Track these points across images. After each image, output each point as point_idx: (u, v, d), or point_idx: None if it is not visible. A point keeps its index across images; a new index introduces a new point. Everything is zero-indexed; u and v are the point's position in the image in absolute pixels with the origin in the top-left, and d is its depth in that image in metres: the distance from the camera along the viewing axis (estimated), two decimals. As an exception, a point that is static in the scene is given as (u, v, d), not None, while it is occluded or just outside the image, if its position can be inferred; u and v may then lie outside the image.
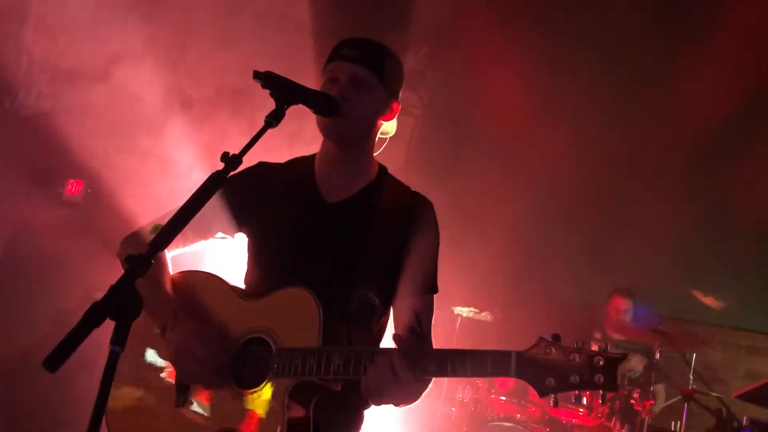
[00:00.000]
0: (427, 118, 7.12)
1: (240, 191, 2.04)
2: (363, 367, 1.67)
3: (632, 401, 4.69)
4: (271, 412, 1.73)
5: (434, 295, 2.04)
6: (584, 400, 1.36)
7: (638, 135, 5.78)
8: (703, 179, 5.73)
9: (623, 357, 1.54)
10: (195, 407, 1.87)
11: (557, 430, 4.94)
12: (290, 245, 2.00)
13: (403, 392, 1.67)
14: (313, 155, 2.15)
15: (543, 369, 1.54)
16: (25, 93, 7.67)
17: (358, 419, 2.00)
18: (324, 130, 2.02)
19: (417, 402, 1.84)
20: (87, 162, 7.26)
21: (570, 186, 5.85)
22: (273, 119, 1.77)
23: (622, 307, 5.44)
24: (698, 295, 5.77)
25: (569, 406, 4.79)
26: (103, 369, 1.43)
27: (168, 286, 1.99)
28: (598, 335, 5.45)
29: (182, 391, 1.89)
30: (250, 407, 1.78)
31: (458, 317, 5.40)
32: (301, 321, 1.78)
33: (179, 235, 1.97)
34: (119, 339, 1.44)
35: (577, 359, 1.53)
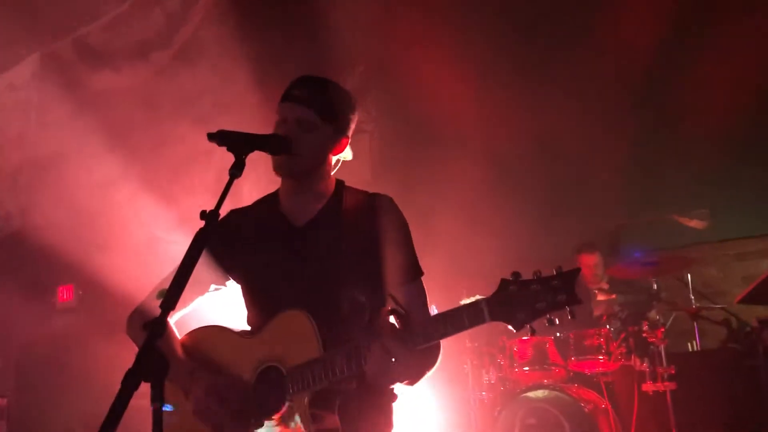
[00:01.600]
0: (381, 130, 7.32)
1: (219, 242, 2.20)
2: (363, 358, 1.83)
3: (644, 334, 4.86)
4: (298, 428, 1.88)
5: (422, 279, 2.20)
6: (556, 321, 1.51)
7: (579, 72, 5.95)
8: (654, 100, 5.92)
9: (577, 270, 1.71)
10: None
11: (585, 383, 5.10)
12: (273, 276, 2.17)
13: (403, 368, 1.81)
14: (276, 191, 2.34)
15: (511, 306, 1.71)
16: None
17: (387, 413, 2.14)
18: (278, 168, 2.20)
19: (429, 373, 2.00)
20: (70, 266, 7.36)
21: (526, 151, 6.04)
22: (236, 170, 1.96)
23: (592, 262, 5.63)
24: (682, 220, 5.96)
25: (588, 356, 4.98)
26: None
27: (179, 350, 2.15)
28: (605, 285, 5.61)
29: None
30: (280, 430, 1.92)
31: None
32: (299, 338, 1.94)
33: (196, 295, 2.22)
34: (158, 397, 1.60)
35: (538, 287, 1.71)
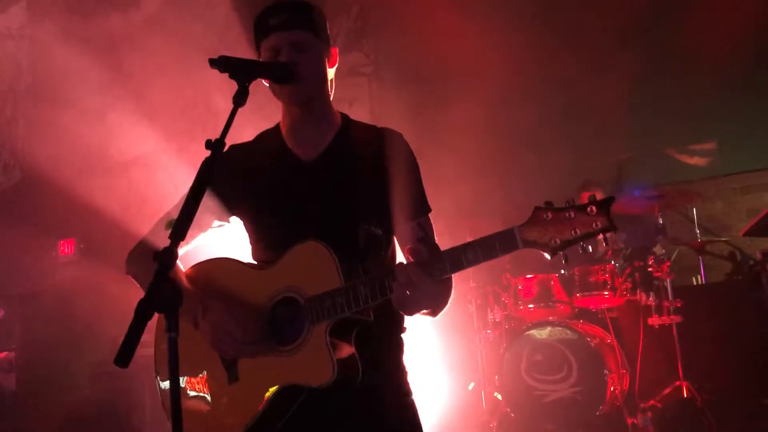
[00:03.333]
0: (379, 73, 7.20)
1: (221, 178, 2.10)
2: (388, 287, 1.82)
3: (650, 269, 4.87)
4: (319, 356, 1.86)
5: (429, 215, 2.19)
6: (590, 249, 1.50)
7: (581, 4, 5.82)
8: (659, 31, 5.81)
9: (612, 198, 1.69)
10: (246, 378, 1.99)
11: (590, 319, 5.14)
12: (285, 211, 2.13)
13: (428, 297, 1.81)
14: (277, 125, 2.28)
15: (545, 233, 1.71)
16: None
17: (398, 343, 2.17)
18: (287, 97, 2.14)
19: (447, 306, 1.97)
20: (71, 219, 7.34)
21: (527, 89, 5.95)
22: (240, 98, 1.91)
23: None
24: (682, 158, 5.92)
25: (593, 292, 4.99)
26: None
27: (186, 281, 2.12)
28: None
29: (231, 369, 2.01)
30: (298, 360, 1.90)
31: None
32: (318, 269, 1.91)
33: (199, 231, 2.20)
34: (173, 326, 1.58)
35: (573, 214, 1.69)
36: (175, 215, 1.72)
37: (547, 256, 1.72)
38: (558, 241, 1.69)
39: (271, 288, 2.00)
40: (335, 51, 2.23)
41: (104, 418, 5.60)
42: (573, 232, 1.69)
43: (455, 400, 5.37)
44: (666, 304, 4.81)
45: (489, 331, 5.42)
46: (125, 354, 1.49)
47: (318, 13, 2.17)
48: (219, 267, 2.15)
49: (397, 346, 2.16)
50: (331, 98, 2.25)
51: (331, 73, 2.22)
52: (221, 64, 1.89)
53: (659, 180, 5.50)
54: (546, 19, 5.98)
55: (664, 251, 4.85)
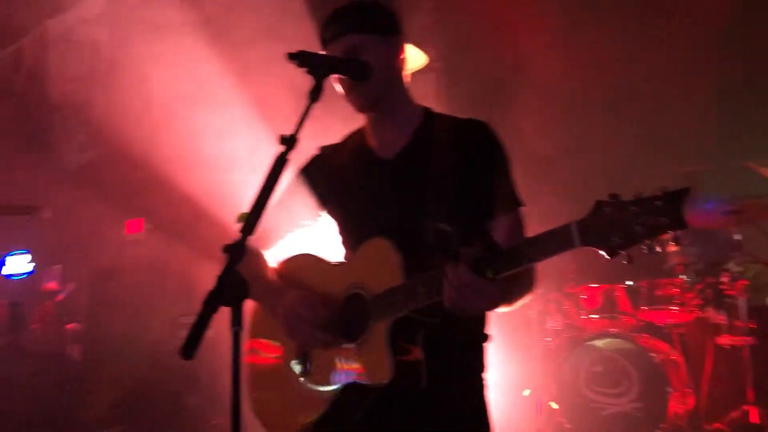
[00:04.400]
0: (449, 69, 7.12)
1: (311, 178, 2.22)
2: (441, 286, 1.73)
3: (722, 286, 4.67)
4: (377, 355, 1.84)
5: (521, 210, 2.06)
6: (657, 249, 1.33)
7: (662, 12, 5.61)
8: (739, 43, 5.55)
9: (686, 190, 1.44)
10: (316, 371, 2.01)
11: (655, 334, 4.96)
12: (363, 210, 2.13)
13: (481, 298, 1.68)
14: (363, 126, 2.27)
15: (605, 229, 1.50)
16: (68, 149, 8.03)
17: (477, 352, 2.08)
18: (356, 102, 2.11)
19: (521, 301, 1.94)
20: (141, 199, 7.54)
21: (601, 96, 5.77)
22: (315, 94, 1.89)
23: None
24: (755, 167, 5.65)
25: (660, 306, 4.82)
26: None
27: (270, 276, 2.18)
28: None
29: (303, 362, 2.04)
30: (360, 357, 1.90)
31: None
32: (382, 266, 1.90)
33: (272, 234, 2.23)
34: (237, 320, 1.58)
35: (637, 208, 1.47)
36: (266, 217, 1.79)
37: (606, 255, 1.52)
38: (618, 239, 1.48)
39: (342, 284, 2.01)
40: (401, 40, 2.14)
41: (162, 395, 5.75)
42: (636, 228, 1.46)
43: (508, 405, 5.28)
44: (738, 324, 4.60)
45: (549, 339, 5.30)
46: (191, 346, 1.50)
47: (375, 8, 2.11)
48: (299, 262, 2.20)
49: (473, 353, 2.07)
50: (407, 87, 2.19)
51: (409, 62, 2.16)
52: (300, 58, 1.89)
53: (737, 193, 5.25)
54: (622, 22, 5.79)
55: (739, 268, 4.63)
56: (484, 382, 2.08)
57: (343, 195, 2.17)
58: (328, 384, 1.96)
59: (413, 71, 2.24)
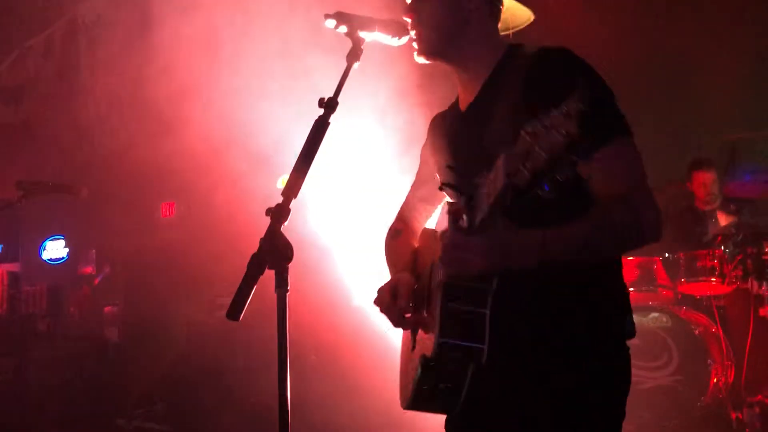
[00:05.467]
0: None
1: (429, 146, 2.16)
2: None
3: (765, 257, 4.57)
4: (434, 324, 1.71)
5: (624, 142, 1.67)
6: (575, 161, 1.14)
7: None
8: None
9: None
10: (419, 344, 1.93)
11: (695, 306, 4.88)
12: (443, 168, 1.98)
13: (469, 255, 1.55)
14: None
15: (524, 156, 1.30)
16: (100, 132, 8.12)
17: (587, 315, 1.73)
18: (416, 55, 1.99)
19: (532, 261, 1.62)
20: (173, 183, 7.60)
21: (639, 61, 5.64)
22: (353, 56, 1.87)
23: (708, 180, 5.22)
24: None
25: (699, 278, 4.74)
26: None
27: (402, 255, 2.11)
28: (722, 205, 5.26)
29: (414, 336, 1.98)
30: (428, 326, 1.82)
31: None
32: (434, 239, 1.87)
33: (427, 205, 2.20)
34: (281, 282, 1.57)
35: (556, 117, 1.26)
36: (411, 194, 1.86)
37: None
38: (527, 170, 1.28)
39: (432, 253, 1.91)
40: None
41: (200, 374, 5.82)
42: (536, 149, 1.26)
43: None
44: (781, 294, 4.51)
45: (584, 312, 5.24)
46: (238, 307, 1.50)
47: None
48: (422, 237, 2.16)
49: (582, 321, 1.71)
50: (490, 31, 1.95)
51: (508, 18, 1.99)
52: (336, 18, 1.85)
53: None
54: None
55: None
56: (605, 363, 1.72)
57: (438, 158, 2.07)
58: (418, 356, 1.82)
59: (518, 28, 2.06)
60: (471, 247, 1.54)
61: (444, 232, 1.61)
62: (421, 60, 1.98)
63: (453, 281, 1.64)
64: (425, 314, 1.84)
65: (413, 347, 1.92)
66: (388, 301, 1.91)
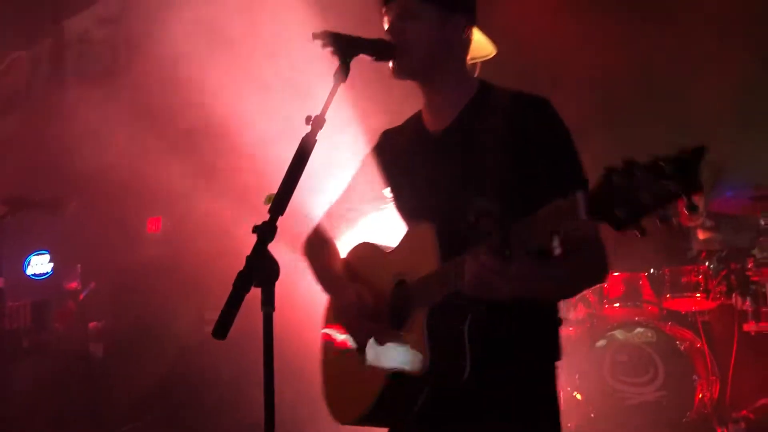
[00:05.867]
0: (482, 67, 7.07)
1: (375, 162, 2.18)
2: (463, 272, 1.65)
3: (748, 273, 4.61)
4: (417, 343, 1.80)
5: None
6: (673, 220, 1.18)
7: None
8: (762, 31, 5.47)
9: (699, 149, 1.26)
10: (373, 359, 1.97)
11: (680, 322, 4.92)
12: (412, 190, 2.07)
13: (502, 281, 1.57)
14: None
15: (611, 200, 1.30)
16: (88, 147, 8.08)
17: (545, 338, 1.92)
18: (393, 74, 2.05)
19: (576, 291, 1.89)
20: (159, 197, 7.58)
21: (626, 79, 5.71)
22: (341, 75, 1.88)
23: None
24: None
25: (684, 294, 4.77)
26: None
27: (334, 264, 2.18)
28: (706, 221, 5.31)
29: (361, 351, 2.01)
30: (405, 344, 1.86)
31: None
32: (422, 251, 1.86)
33: (343, 220, 2.24)
34: (268, 300, 1.58)
35: (643, 174, 1.27)
36: (337, 206, 1.91)
37: (613, 228, 1.33)
38: (624, 212, 1.28)
39: (391, 271, 1.98)
40: (460, 19, 2.00)
41: (185, 391, 5.78)
42: (644, 197, 1.26)
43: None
44: (764, 310, 4.55)
45: (571, 328, 5.26)
46: (223, 326, 1.50)
47: None
48: (360, 251, 2.19)
49: (541, 343, 1.91)
50: (467, 65, 2.06)
51: (475, 48, 2.05)
52: (323, 38, 1.87)
53: (762, 179, 5.18)
54: (650, 11, 5.72)
55: (765, 254, 4.57)
56: (551, 373, 1.92)
57: (397, 175, 2.12)
58: (377, 376, 1.91)
59: (479, 60, 2.10)
60: (505, 273, 1.56)
61: (476, 253, 1.59)
62: (400, 77, 2.04)
63: (443, 300, 1.73)
64: (397, 330, 1.89)
65: (363, 360, 1.97)
66: (356, 319, 1.94)
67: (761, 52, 5.44)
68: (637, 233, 1.31)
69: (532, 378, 1.88)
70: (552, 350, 1.94)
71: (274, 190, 1.72)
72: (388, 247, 2.11)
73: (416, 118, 2.17)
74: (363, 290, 1.97)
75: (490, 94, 2.00)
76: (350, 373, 2.04)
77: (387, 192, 2.19)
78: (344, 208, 2.25)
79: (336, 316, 2.09)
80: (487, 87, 2.04)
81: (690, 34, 5.49)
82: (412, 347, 1.80)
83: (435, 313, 1.78)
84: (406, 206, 2.11)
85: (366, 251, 2.16)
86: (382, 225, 2.29)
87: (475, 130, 1.94)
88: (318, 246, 2.24)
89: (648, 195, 1.26)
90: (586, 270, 1.86)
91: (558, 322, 1.98)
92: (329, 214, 2.27)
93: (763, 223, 4.69)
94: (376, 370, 1.93)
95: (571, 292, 1.91)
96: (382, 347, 1.93)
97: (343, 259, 2.23)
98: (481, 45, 2.08)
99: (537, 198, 1.60)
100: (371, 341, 1.97)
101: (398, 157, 2.13)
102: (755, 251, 4.68)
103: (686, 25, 5.55)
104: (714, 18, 5.45)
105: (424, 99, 2.10)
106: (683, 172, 1.24)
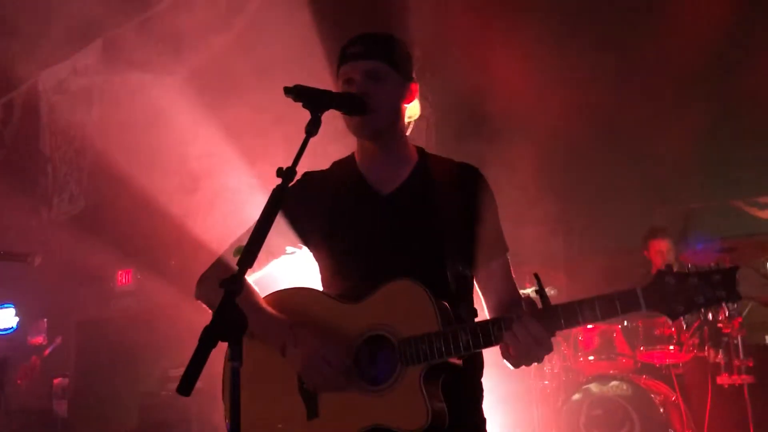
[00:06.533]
0: (438, 116, 7.19)
1: (295, 204, 2.09)
2: (493, 336, 1.80)
3: (720, 325, 4.64)
4: (413, 400, 1.80)
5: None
6: (710, 317, 1.58)
7: (647, 50, 5.71)
8: (729, 79, 5.62)
9: (736, 268, 1.71)
10: (328, 414, 1.91)
11: (654, 374, 4.90)
12: (365, 244, 2.06)
13: (541, 350, 1.77)
14: (352, 155, 2.22)
15: (669, 297, 1.72)
16: (59, 199, 8.00)
17: (481, 389, 2.10)
18: (357, 129, 2.08)
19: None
20: (130, 249, 7.47)
21: (590, 135, 5.83)
22: (312, 128, 1.88)
23: (663, 248, 5.36)
24: (751, 210, 5.69)
25: (657, 346, 4.78)
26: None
27: (269, 308, 2.06)
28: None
29: (310, 403, 1.94)
30: (389, 401, 1.84)
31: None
32: (415, 310, 1.86)
33: (269, 257, 2.16)
34: (236, 355, 1.53)
35: (697, 281, 1.71)
36: (244, 242, 1.67)
37: (669, 319, 1.74)
38: (682, 307, 1.71)
39: (361, 323, 1.93)
40: (415, 87, 2.15)
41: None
42: (696, 299, 1.70)
43: (508, 452, 5.16)
44: (736, 362, 4.56)
45: (546, 382, 5.22)
46: (188, 382, 1.45)
47: (400, 46, 2.13)
48: (303, 297, 2.08)
49: (480, 393, 2.11)
50: (407, 133, 2.19)
51: (409, 110, 2.16)
52: (294, 92, 1.88)
53: (730, 232, 5.27)
54: (613, 64, 5.89)
55: (735, 306, 4.61)
56: (484, 415, 2.10)
57: (337, 227, 2.10)
58: (347, 428, 1.87)
59: (411, 120, 2.23)
60: (547, 345, 1.78)
61: (521, 322, 1.76)
62: (364, 134, 2.10)
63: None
64: (371, 385, 1.88)
65: (313, 415, 1.93)
66: (317, 369, 1.88)
67: (720, 103, 5.60)
68: (685, 323, 1.90)
69: (480, 421, 2.07)
70: (482, 393, 2.12)
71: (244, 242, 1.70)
72: (336, 295, 2.03)
73: (348, 168, 2.17)
74: (324, 339, 1.91)
75: (430, 161, 2.17)
76: (292, 430, 1.96)
77: (306, 239, 2.14)
78: (256, 247, 1.99)
79: (305, 361, 1.91)
80: (426, 154, 2.19)
81: (657, 92, 5.65)
82: (404, 405, 1.81)
83: (429, 373, 1.83)
84: (347, 259, 2.07)
85: (314, 297, 2.06)
86: (292, 267, 2.27)
87: (424, 194, 2.08)
88: (239, 286, 2.07)
89: (702, 297, 1.71)
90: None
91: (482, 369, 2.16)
92: (230, 253, 2.13)
93: (732, 275, 4.73)
94: (338, 423, 1.89)
95: None
96: (348, 401, 1.88)
97: (269, 299, 2.11)
98: (413, 107, 2.19)
99: (475, 258, 2.05)
100: (328, 394, 1.91)
101: (332, 206, 2.12)
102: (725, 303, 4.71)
103: (654, 82, 5.72)
104: (677, 74, 5.63)
105: (370, 159, 2.15)
106: (727, 283, 1.70)
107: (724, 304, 1.72)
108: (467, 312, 1.99)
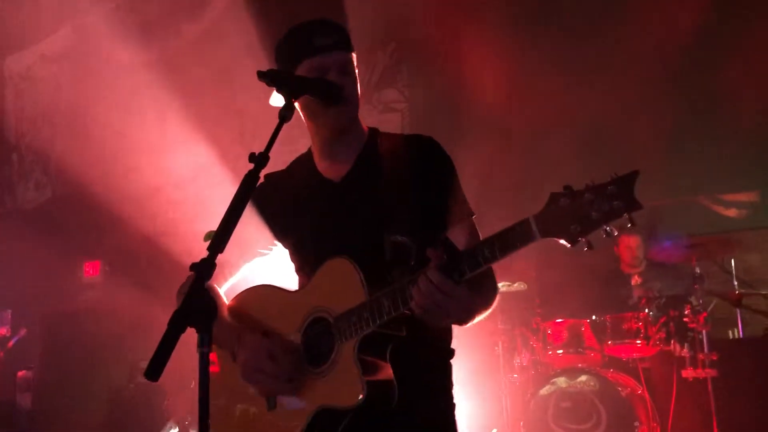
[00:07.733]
0: (411, 110, 7.20)
1: (261, 207, 2.15)
2: (409, 296, 1.71)
3: (685, 320, 4.71)
4: (348, 376, 1.79)
5: (473, 219, 2.08)
6: (615, 233, 1.52)
7: (616, 48, 5.77)
8: (698, 77, 5.69)
9: (635, 173, 1.51)
10: (290, 404, 1.93)
11: (621, 368, 4.96)
12: (315, 233, 2.09)
13: (453, 303, 1.67)
14: (309, 150, 2.23)
15: (563, 220, 1.54)
16: (24, 188, 7.83)
17: (442, 366, 2.06)
18: (336, 119, 2.04)
19: (483, 314, 1.90)
20: (98, 241, 7.36)
21: (560, 130, 5.88)
22: (286, 112, 1.86)
23: (633, 244, 5.44)
24: (719, 209, 5.78)
25: (625, 341, 4.84)
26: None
27: (226, 315, 2.08)
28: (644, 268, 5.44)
29: (271, 399, 1.96)
30: (329, 381, 1.84)
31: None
32: (344, 285, 1.86)
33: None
34: (205, 341, 1.51)
35: (592, 195, 1.52)
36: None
37: (566, 244, 1.56)
38: (578, 227, 1.52)
39: (303, 309, 1.96)
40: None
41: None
42: (593, 214, 1.51)
43: (477, 445, 5.20)
44: (701, 356, 4.64)
45: (515, 375, 5.26)
46: (156, 367, 1.43)
47: (345, 27, 2.12)
48: (256, 295, 2.12)
49: (442, 369, 2.05)
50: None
51: None
52: (269, 77, 1.86)
53: (696, 229, 5.35)
54: (582, 62, 5.95)
55: (700, 302, 4.69)
56: (453, 400, 2.05)
57: (292, 221, 2.13)
58: (300, 415, 1.88)
59: None
60: (457, 296, 1.66)
61: (428, 275, 1.66)
62: (340, 122, 2.07)
63: (374, 329, 1.78)
64: (315, 368, 1.89)
65: (272, 407, 1.95)
66: (265, 364, 1.88)
67: (686, 100, 5.68)
68: (587, 246, 1.57)
69: (442, 402, 2.03)
70: (450, 378, 2.07)
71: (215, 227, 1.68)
72: (290, 289, 2.06)
73: (305, 164, 2.19)
74: (264, 340, 1.91)
75: (379, 140, 2.14)
76: (255, 424, 1.98)
77: (276, 235, 2.17)
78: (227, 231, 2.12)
79: (243, 369, 1.95)
80: (376, 134, 2.17)
81: (624, 88, 5.71)
82: (341, 382, 1.79)
83: (362, 345, 1.80)
84: (305, 248, 2.10)
85: (265, 293, 2.10)
86: (268, 269, 2.28)
87: (374, 174, 2.05)
88: (208, 269, 2.09)
89: (597, 213, 1.52)
90: (491, 296, 1.98)
91: (451, 353, 2.10)
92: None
93: (698, 271, 4.82)
94: (292, 412, 1.89)
95: (478, 316, 1.90)
96: (301, 388, 1.89)
97: (231, 305, 2.14)
98: None
99: (439, 227, 1.97)
100: (286, 386, 1.91)
101: (290, 202, 2.14)
102: (692, 299, 4.80)
103: (621, 78, 5.78)
104: (643, 71, 5.69)
105: (325, 148, 2.13)
106: (624, 193, 1.50)
107: (626, 215, 1.50)
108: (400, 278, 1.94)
